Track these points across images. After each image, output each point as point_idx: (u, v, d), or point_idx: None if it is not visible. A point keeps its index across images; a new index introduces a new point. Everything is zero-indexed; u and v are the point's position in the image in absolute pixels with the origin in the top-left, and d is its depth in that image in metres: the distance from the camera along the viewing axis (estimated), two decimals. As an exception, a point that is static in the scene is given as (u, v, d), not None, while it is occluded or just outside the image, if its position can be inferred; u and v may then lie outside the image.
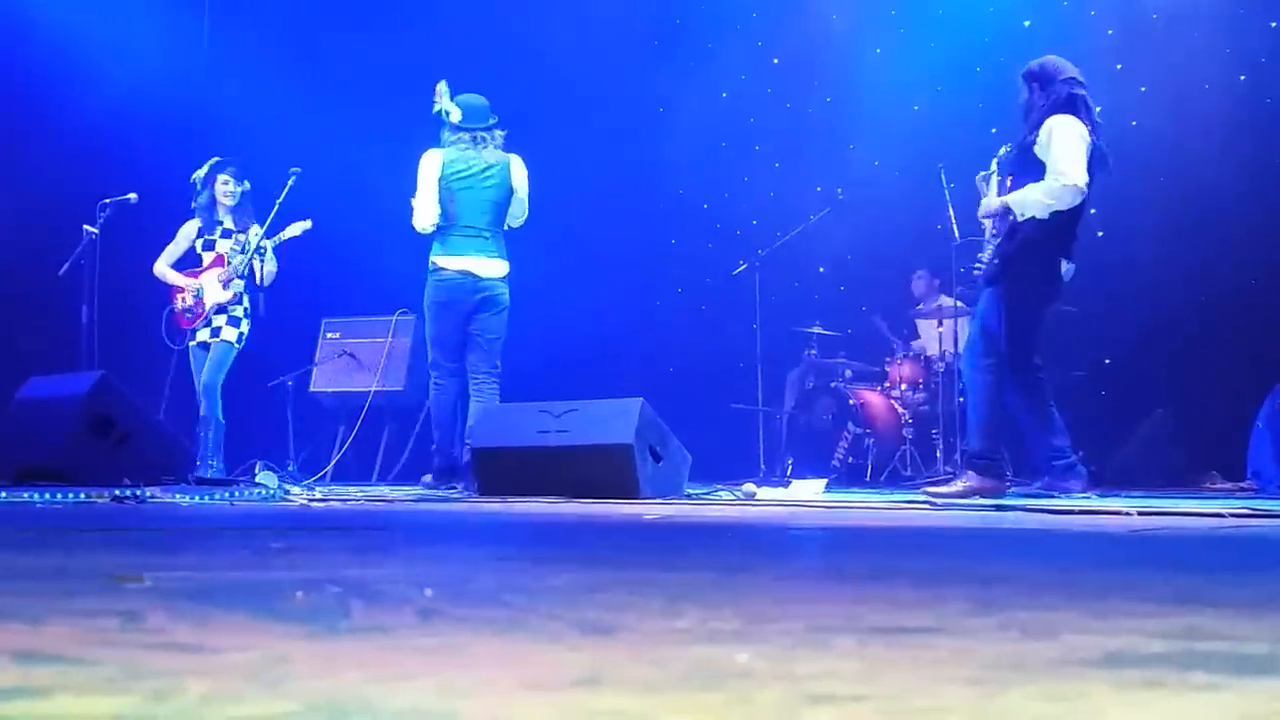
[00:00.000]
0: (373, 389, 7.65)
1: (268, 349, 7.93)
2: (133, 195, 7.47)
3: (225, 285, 7.31)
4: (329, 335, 8.85)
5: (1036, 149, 5.46)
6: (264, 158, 7.91)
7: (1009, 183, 5.60)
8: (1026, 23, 8.54)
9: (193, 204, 7.46)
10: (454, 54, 9.60)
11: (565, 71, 9.44)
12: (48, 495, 5.04)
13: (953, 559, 2.60)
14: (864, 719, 0.89)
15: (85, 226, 7.44)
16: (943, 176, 6.24)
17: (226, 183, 7.39)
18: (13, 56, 8.80)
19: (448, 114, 6.54)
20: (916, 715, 0.90)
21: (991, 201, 5.57)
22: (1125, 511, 4.07)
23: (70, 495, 5.07)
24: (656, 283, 9.82)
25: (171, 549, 2.70)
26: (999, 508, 4.63)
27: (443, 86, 6.59)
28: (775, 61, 9.56)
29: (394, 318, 8.28)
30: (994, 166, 5.74)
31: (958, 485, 5.55)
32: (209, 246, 7.41)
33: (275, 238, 7.32)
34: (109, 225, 7.45)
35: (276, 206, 7.34)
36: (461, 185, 6.49)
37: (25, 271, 8.24)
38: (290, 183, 7.29)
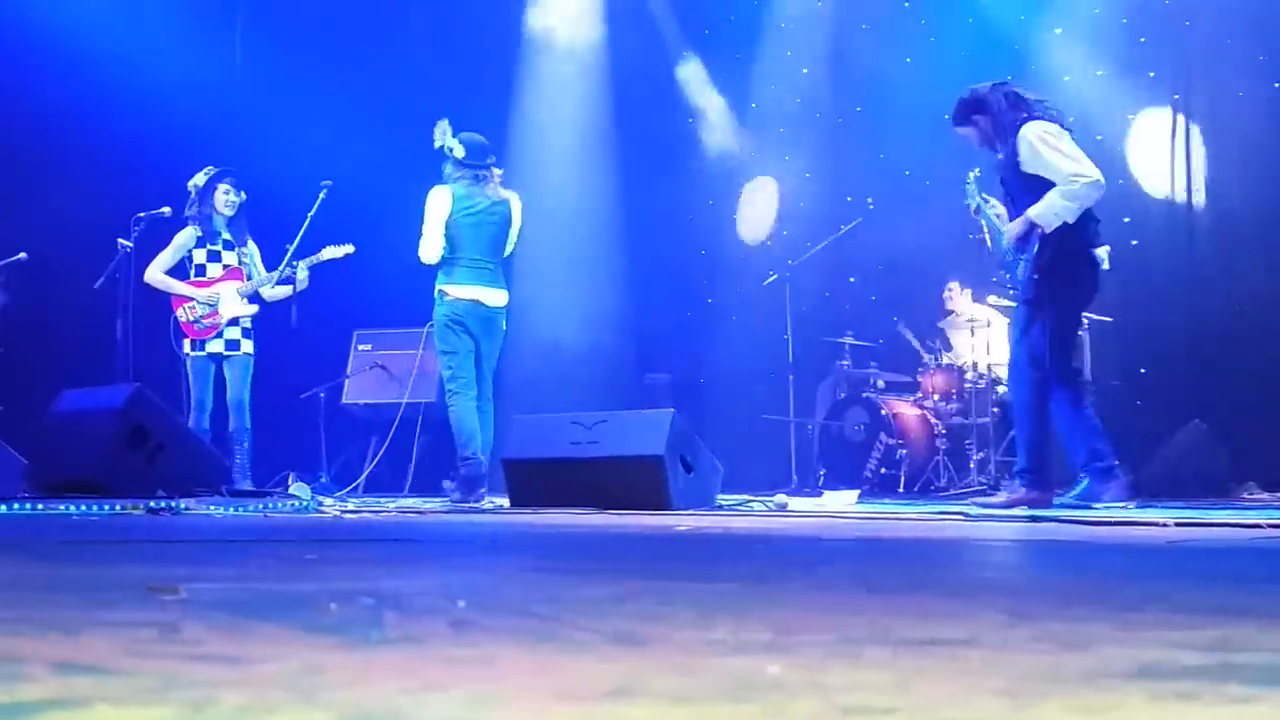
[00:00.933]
0: (404, 401, 7.67)
1: (301, 361, 7.98)
2: (166, 209, 7.52)
3: (251, 300, 7.35)
4: (361, 347, 8.89)
5: (1023, 167, 5.42)
6: (295, 171, 7.97)
7: (998, 208, 5.60)
8: (1058, 30, 8.50)
9: (186, 212, 7.40)
10: (486, 66, 9.66)
11: (595, 83, 9.47)
12: (84, 507, 5.09)
13: (986, 571, 2.59)
14: (896, 731, 0.89)
15: (120, 240, 7.50)
16: (974, 185, 6.21)
17: (227, 192, 7.38)
18: (48, 73, 8.90)
19: (450, 150, 6.77)
20: (949, 727, 0.90)
21: (1013, 226, 5.47)
22: (1162, 522, 4.03)
23: (106, 507, 5.11)
24: (687, 294, 9.82)
25: (206, 561, 2.72)
26: (1034, 519, 4.60)
27: (445, 125, 6.80)
28: (805, 71, 9.55)
29: (425, 330, 8.29)
30: (972, 190, 5.72)
31: (1003, 495, 5.54)
32: (214, 258, 7.40)
33: (313, 258, 7.33)
34: (143, 239, 7.52)
35: (308, 220, 7.38)
36: (469, 220, 6.73)
37: (61, 285, 8.33)
38: (321, 196, 7.33)
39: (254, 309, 7.37)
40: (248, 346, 7.33)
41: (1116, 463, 5.61)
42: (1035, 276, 5.42)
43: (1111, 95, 8.16)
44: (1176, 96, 7.97)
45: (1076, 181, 5.31)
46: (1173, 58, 8.01)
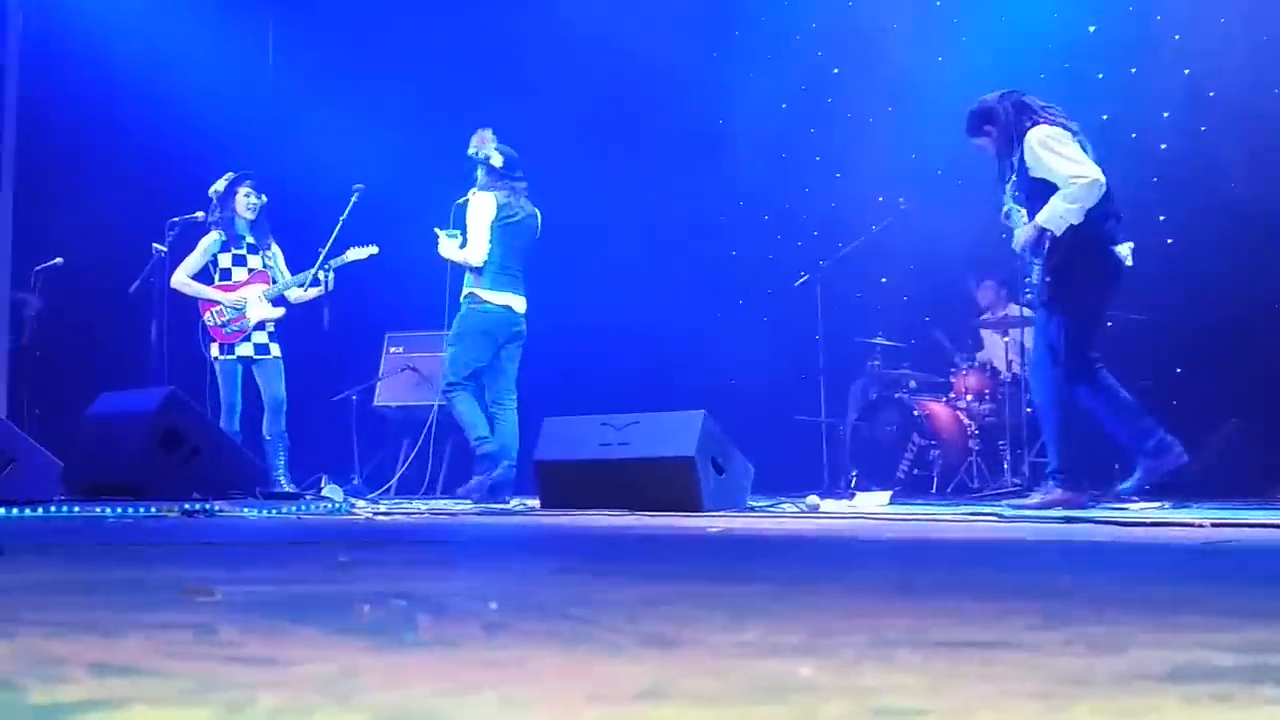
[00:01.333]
0: (436, 403, 7.70)
1: (333, 364, 8.03)
2: (200, 214, 7.58)
3: (276, 303, 7.40)
4: (392, 349, 8.93)
5: (1032, 173, 5.54)
6: (327, 174, 8.01)
7: (1023, 214, 5.67)
8: (1091, 28, 8.45)
9: (209, 217, 7.47)
10: (514, 68, 9.69)
11: (625, 84, 9.48)
12: (119, 509, 5.14)
13: (1020, 572, 2.58)
14: (929, 733, 0.88)
15: (155, 245, 7.57)
16: (1011, 191, 6.17)
17: (248, 195, 7.44)
18: (84, 79, 8.99)
19: (488, 159, 7.00)
20: (982, 730, 0.89)
21: (1024, 231, 5.60)
22: (1197, 523, 4.00)
23: (141, 509, 5.16)
24: (718, 295, 9.81)
25: (241, 563, 2.74)
26: (1068, 520, 4.57)
27: (488, 134, 7.03)
28: (835, 71, 9.53)
29: (456, 332, 8.34)
30: (1009, 199, 5.79)
31: (1037, 497, 5.59)
32: (239, 261, 7.46)
33: (339, 259, 7.37)
34: (177, 243, 7.58)
35: (340, 223, 7.43)
36: (506, 229, 7.00)
37: (97, 289, 8.41)
38: (354, 199, 7.37)
39: (280, 312, 7.42)
40: (276, 350, 7.39)
41: (1165, 435, 5.62)
42: (1047, 279, 5.55)
43: (1145, 92, 8.09)
44: (1211, 94, 7.89)
45: (1076, 183, 5.44)
46: (1207, 54, 7.93)
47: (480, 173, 7.03)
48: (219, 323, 7.40)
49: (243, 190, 7.44)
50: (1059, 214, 5.45)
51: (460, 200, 7.11)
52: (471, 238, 6.95)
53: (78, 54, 8.96)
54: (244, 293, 7.42)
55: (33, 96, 9.11)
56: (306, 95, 9.49)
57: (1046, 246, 5.51)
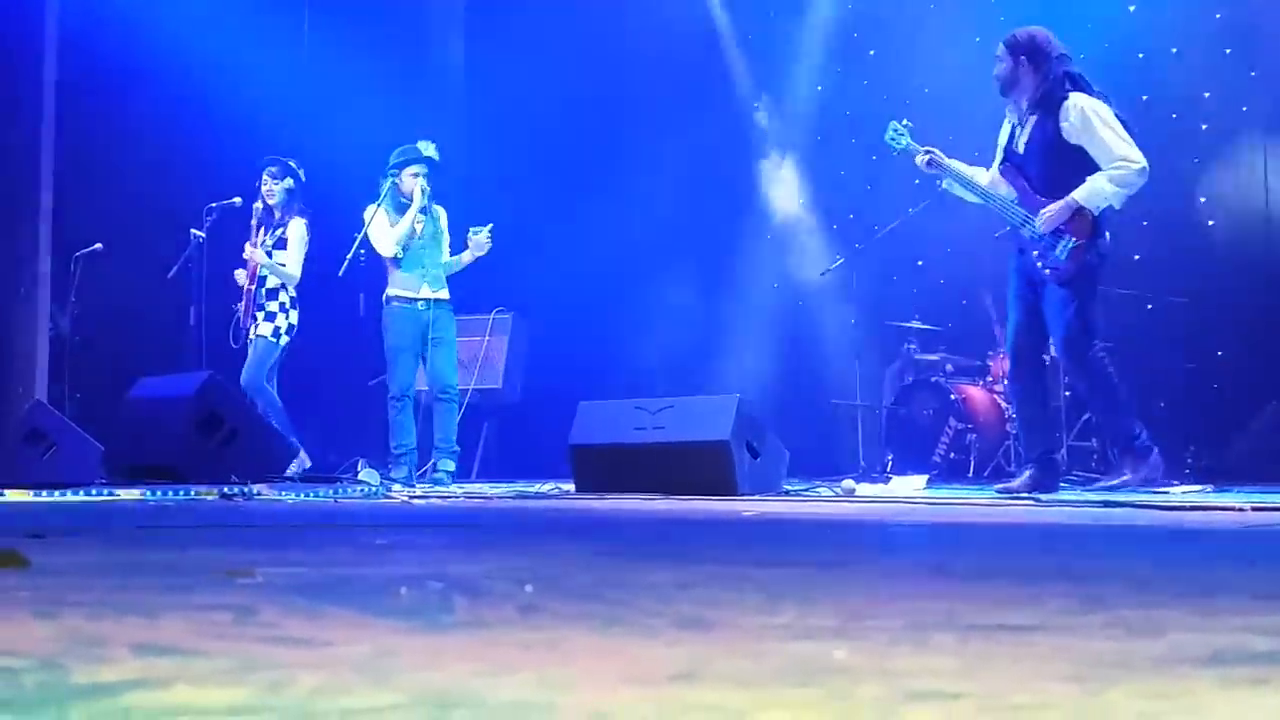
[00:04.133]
0: (471, 387, 7.73)
1: (369, 349, 8.07)
2: (238, 199, 7.64)
3: (250, 279, 7.44)
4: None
5: (1067, 135, 5.26)
6: (360, 161, 8.04)
7: (1023, 177, 5.43)
8: (1132, 7, 8.35)
9: (255, 206, 7.61)
10: (536, 56, 9.68)
11: (661, 70, 9.46)
12: (159, 493, 5.19)
13: (1057, 556, 2.56)
14: (964, 716, 0.88)
15: (193, 230, 7.64)
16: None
17: (265, 183, 7.54)
18: (123, 67, 9.04)
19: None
20: (1017, 712, 0.89)
21: (1056, 209, 5.29)
22: (1239, 507, 3.97)
23: (180, 492, 5.22)
24: (753, 279, 9.79)
25: (280, 545, 2.76)
26: (1106, 504, 4.54)
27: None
28: (871, 53, 9.47)
29: (491, 316, 8.37)
30: (905, 140, 5.65)
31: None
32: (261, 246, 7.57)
33: (274, 232, 7.40)
34: (215, 229, 7.64)
35: (376, 208, 7.44)
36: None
37: (137, 275, 8.48)
38: (388, 184, 7.40)
39: (256, 288, 7.40)
40: (264, 329, 7.39)
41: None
42: (1086, 258, 5.27)
43: (1186, 73, 8.00)
44: (1253, 73, 7.79)
45: (1126, 166, 5.19)
46: (1248, 33, 7.84)
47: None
48: (244, 306, 7.51)
49: (263, 178, 7.57)
50: (1105, 195, 5.21)
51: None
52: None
53: (116, 40, 9.02)
54: (242, 275, 7.51)
55: (71, 83, 9.18)
56: (341, 83, 9.51)
57: (1089, 226, 5.24)
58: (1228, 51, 7.90)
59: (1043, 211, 5.35)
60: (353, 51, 9.69)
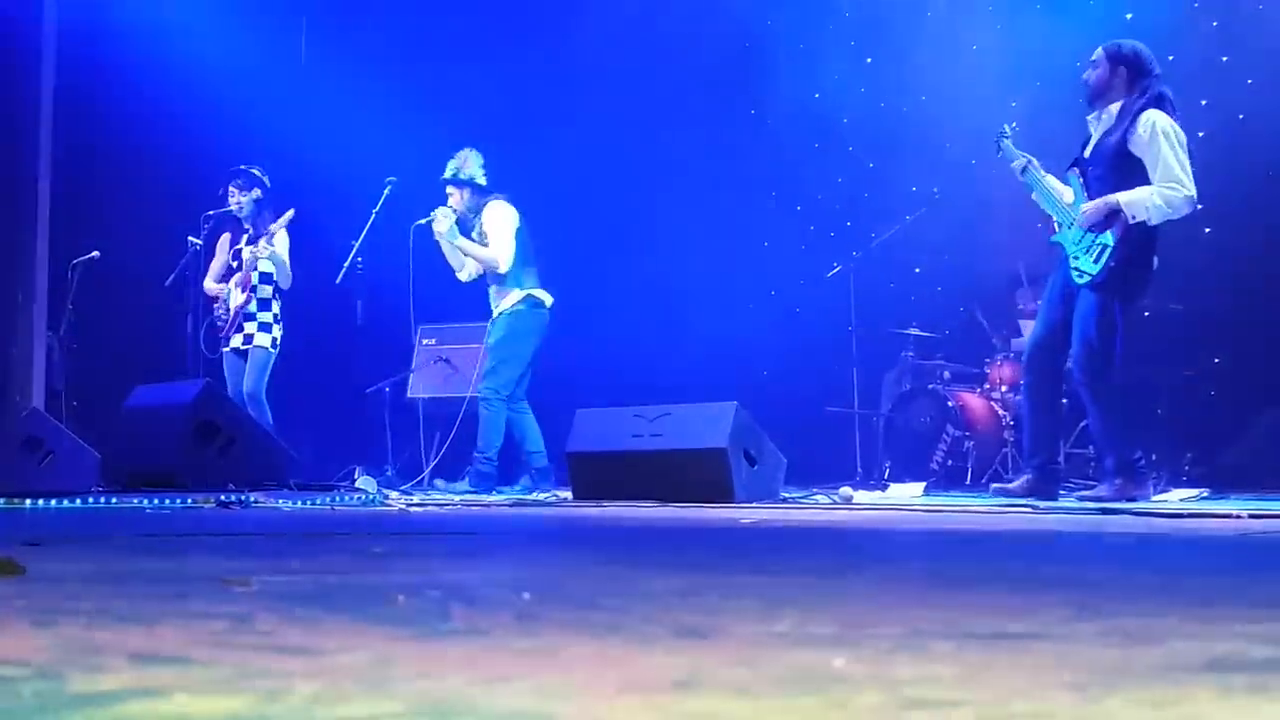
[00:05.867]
0: (468, 395, 7.72)
1: (366, 356, 8.07)
2: (234, 206, 7.64)
3: (243, 289, 7.43)
4: (425, 341, 8.95)
5: (1133, 145, 5.29)
6: (360, 167, 8.04)
7: (1082, 180, 5.45)
8: (1129, 15, 8.36)
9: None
10: (543, 60, 9.69)
11: (656, 75, 9.47)
12: (156, 501, 5.19)
13: (1055, 564, 2.56)
14: (962, 724, 0.88)
15: (190, 238, 7.64)
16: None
17: (232, 195, 7.56)
18: (120, 74, 9.05)
19: (472, 178, 7.42)
20: (1016, 721, 0.89)
21: (1095, 205, 5.32)
22: (1236, 514, 3.97)
23: (178, 500, 5.21)
24: (750, 286, 9.78)
25: (277, 553, 2.76)
26: (1104, 511, 4.54)
27: (473, 155, 7.49)
28: (869, 60, 9.48)
29: (489, 324, 8.36)
30: (1010, 146, 5.65)
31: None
32: (237, 256, 7.56)
33: (263, 237, 7.39)
34: (212, 236, 7.64)
35: (373, 216, 7.46)
36: (522, 231, 7.42)
37: (133, 283, 8.48)
38: (386, 192, 7.41)
39: (247, 299, 7.39)
40: (262, 340, 7.39)
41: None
42: (1112, 264, 5.28)
43: (1182, 79, 8.00)
44: (1250, 81, 7.80)
45: (1178, 190, 5.22)
46: (1245, 41, 7.85)
47: (462, 192, 7.32)
48: (219, 315, 7.50)
49: (230, 189, 7.59)
50: (1148, 206, 5.22)
51: (422, 221, 7.28)
52: (500, 243, 7.26)
53: (113, 48, 9.03)
54: (230, 285, 7.50)
55: (68, 90, 9.19)
56: (339, 88, 9.52)
57: (1122, 230, 5.25)
58: (1224, 59, 7.91)
59: (1083, 206, 5.39)
60: (351, 58, 9.70)
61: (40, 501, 4.98)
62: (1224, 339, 7.87)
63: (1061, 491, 5.70)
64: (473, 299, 8.01)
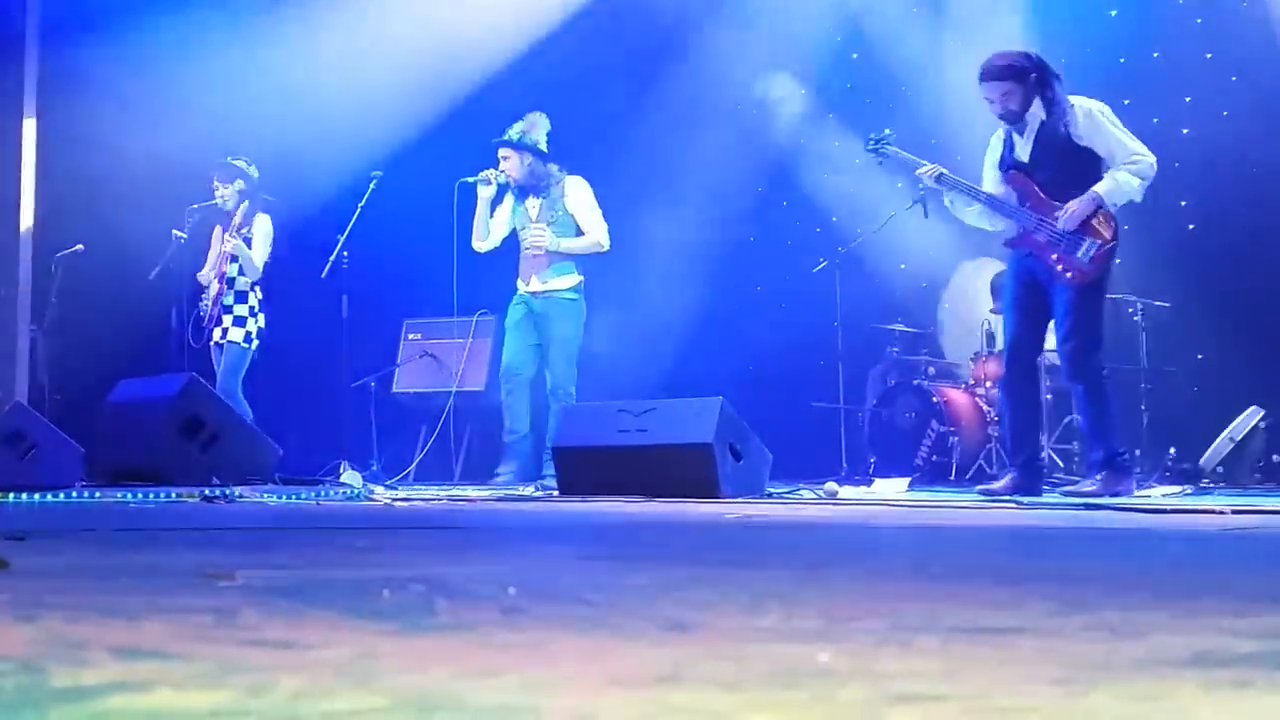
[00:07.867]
0: (454, 389, 7.72)
1: (351, 351, 8.05)
2: (218, 199, 7.61)
3: (219, 281, 7.42)
4: (410, 336, 8.94)
5: (1078, 137, 5.28)
6: (346, 161, 8.02)
7: (1032, 185, 5.42)
8: (1113, 12, 8.38)
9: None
10: (526, 53, 9.66)
11: (641, 69, 9.46)
12: (140, 495, 5.17)
13: (1039, 559, 2.57)
14: (947, 718, 0.88)
15: (174, 231, 7.61)
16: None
17: (216, 186, 7.55)
18: (103, 66, 9.00)
19: (536, 143, 7.19)
20: (1000, 714, 0.89)
21: (1077, 206, 5.25)
22: (1219, 510, 3.99)
23: (162, 495, 5.19)
24: (736, 281, 9.78)
25: (261, 548, 2.75)
26: (1088, 506, 4.55)
27: (542, 118, 7.26)
28: (855, 56, 9.49)
29: (474, 319, 8.35)
30: (992, 170, 5.58)
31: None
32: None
33: (238, 232, 7.39)
34: (197, 230, 7.62)
35: (358, 210, 7.44)
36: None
37: (117, 276, 8.44)
38: (371, 186, 7.38)
39: (222, 290, 7.37)
40: (235, 335, 7.36)
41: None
42: (1103, 258, 5.27)
43: (1167, 77, 8.04)
44: (1234, 78, 7.83)
45: (1141, 160, 5.24)
46: (1229, 38, 7.88)
47: (522, 157, 7.10)
48: (201, 308, 7.49)
49: (214, 183, 7.58)
50: (1125, 190, 5.21)
51: (469, 180, 7.16)
52: (593, 220, 7.22)
53: (97, 38, 8.99)
54: (207, 276, 7.49)
55: (52, 81, 9.15)
56: (325, 82, 9.49)
57: (1113, 225, 5.25)
58: (1208, 56, 7.94)
59: (1066, 207, 5.30)
60: (336, 51, 9.66)
61: (23, 496, 4.96)
62: (1207, 336, 7.90)
63: (1045, 487, 5.71)
64: (460, 292, 8.01)
